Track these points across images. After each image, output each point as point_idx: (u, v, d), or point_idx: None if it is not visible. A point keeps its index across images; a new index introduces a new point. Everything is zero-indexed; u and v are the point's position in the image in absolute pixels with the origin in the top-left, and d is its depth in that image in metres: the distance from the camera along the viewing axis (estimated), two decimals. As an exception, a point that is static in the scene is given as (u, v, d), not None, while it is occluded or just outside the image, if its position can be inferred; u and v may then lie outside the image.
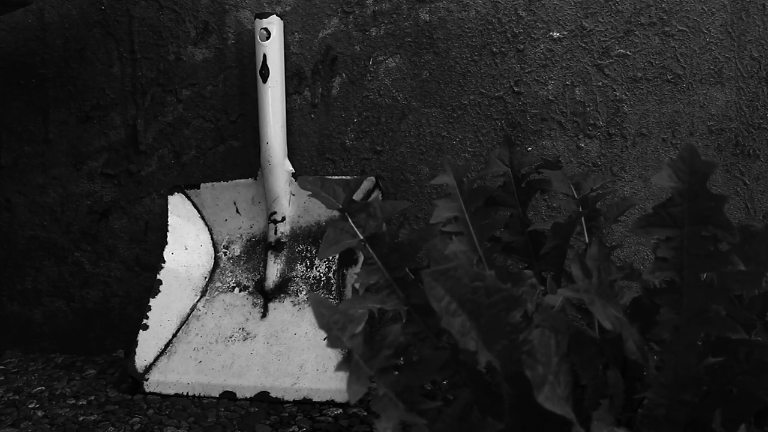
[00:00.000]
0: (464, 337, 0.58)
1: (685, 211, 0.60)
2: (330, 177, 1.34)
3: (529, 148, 1.32)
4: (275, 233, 1.35)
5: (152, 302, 1.31)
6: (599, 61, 1.30)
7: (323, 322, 0.60)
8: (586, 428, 0.58)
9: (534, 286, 0.71)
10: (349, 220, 0.74)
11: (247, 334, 1.27)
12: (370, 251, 0.73)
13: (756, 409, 0.63)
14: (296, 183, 1.35)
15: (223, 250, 1.40)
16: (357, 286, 0.73)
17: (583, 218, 0.85)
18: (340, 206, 0.75)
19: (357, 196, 1.32)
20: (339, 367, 0.59)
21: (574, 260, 0.65)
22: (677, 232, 0.60)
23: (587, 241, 0.84)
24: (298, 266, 1.34)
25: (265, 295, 1.32)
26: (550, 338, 0.59)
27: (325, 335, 1.24)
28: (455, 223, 0.81)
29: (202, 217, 1.41)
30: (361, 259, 1.24)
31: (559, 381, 0.58)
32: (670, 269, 0.61)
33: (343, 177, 1.34)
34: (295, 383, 1.18)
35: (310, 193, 0.75)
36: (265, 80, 1.31)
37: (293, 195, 1.35)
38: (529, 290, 0.70)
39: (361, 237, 0.74)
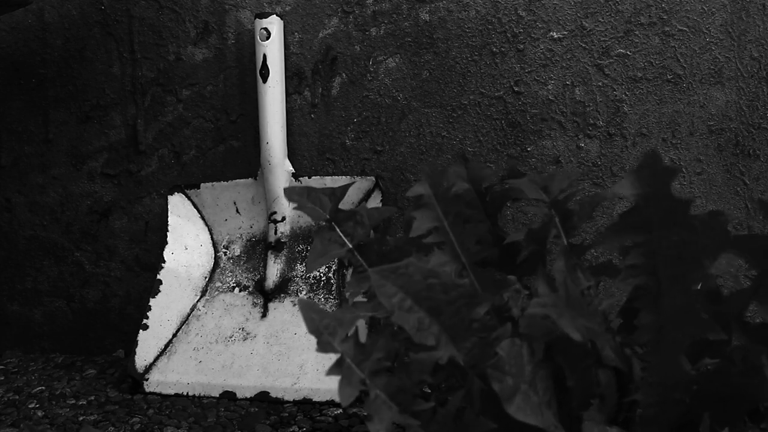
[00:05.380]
0: (421, 332, 0.58)
1: (653, 215, 0.59)
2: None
3: (529, 148, 1.32)
4: (275, 233, 1.35)
5: (152, 302, 1.31)
6: (599, 61, 1.30)
7: (313, 327, 0.60)
8: (577, 429, 0.57)
9: (519, 291, 0.71)
10: (337, 229, 0.73)
11: (247, 334, 1.27)
12: (359, 259, 0.72)
13: (749, 409, 0.63)
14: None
15: (223, 250, 1.40)
16: (347, 295, 0.72)
17: (557, 220, 0.83)
18: (327, 216, 0.74)
19: (357, 197, 1.32)
20: (331, 371, 0.59)
21: (540, 276, 0.64)
22: (647, 236, 0.60)
23: (566, 242, 0.82)
24: (298, 266, 1.34)
25: (265, 295, 1.32)
26: (521, 347, 0.58)
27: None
28: (436, 234, 0.77)
29: (202, 217, 1.41)
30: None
31: (536, 388, 0.57)
32: (642, 274, 0.61)
33: (340, 177, 1.34)
34: (295, 383, 1.18)
35: (296, 205, 0.74)
36: (265, 80, 1.31)
37: (293, 195, 1.35)
38: (513, 295, 0.69)
39: (350, 246, 0.73)
